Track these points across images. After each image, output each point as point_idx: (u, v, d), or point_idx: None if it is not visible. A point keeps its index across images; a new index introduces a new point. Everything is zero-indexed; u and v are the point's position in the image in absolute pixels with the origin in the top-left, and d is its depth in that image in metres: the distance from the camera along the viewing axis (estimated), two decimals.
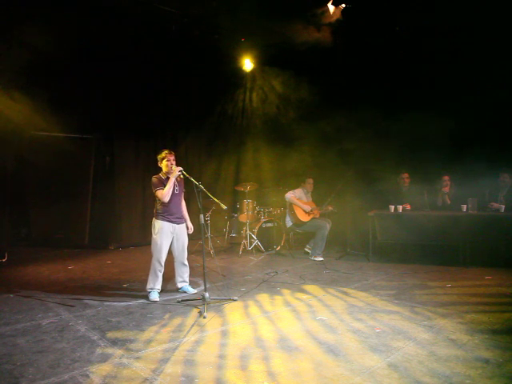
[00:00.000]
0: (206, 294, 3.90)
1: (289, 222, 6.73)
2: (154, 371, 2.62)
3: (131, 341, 3.13)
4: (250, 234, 6.98)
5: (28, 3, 5.34)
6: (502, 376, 2.49)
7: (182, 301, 4.15)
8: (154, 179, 4.30)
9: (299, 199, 6.59)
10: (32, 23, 5.41)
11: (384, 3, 6.14)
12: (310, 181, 6.79)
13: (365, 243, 6.30)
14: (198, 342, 3.09)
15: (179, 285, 4.51)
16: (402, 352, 2.84)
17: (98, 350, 2.95)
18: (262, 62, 8.17)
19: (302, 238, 7.42)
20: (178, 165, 4.31)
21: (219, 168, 9.22)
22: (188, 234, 4.52)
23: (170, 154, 4.34)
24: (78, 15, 5.60)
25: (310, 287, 4.70)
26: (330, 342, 3.05)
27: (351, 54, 7.01)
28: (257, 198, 7.86)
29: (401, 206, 5.99)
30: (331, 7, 6.40)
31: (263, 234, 7.16)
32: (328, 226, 6.44)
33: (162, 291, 4.43)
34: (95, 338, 3.19)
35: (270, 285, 4.85)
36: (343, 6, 6.42)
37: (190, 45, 7.22)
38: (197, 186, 4.04)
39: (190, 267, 4.60)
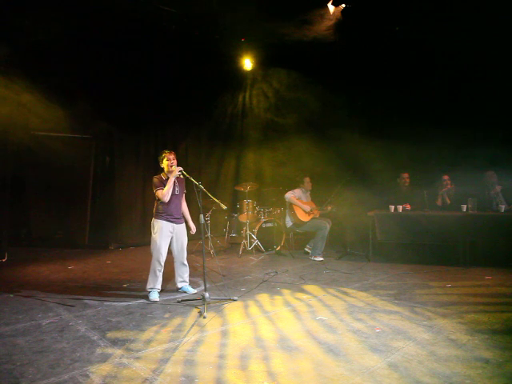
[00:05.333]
0: (206, 294, 3.90)
1: (289, 222, 6.72)
2: (154, 371, 2.62)
3: (131, 341, 3.13)
4: (250, 234, 6.97)
5: (27, 2, 5.34)
6: (501, 376, 2.49)
7: (182, 301, 4.16)
8: (155, 179, 4.33)
9: (299, 199, 6.59)
10: (30, 20, 5.40)
11: (384, 3, 6.13)
12: (308, 179, 6.76)
13: (365, 243, 6.28)
14: (197, 342, 3.09)
15: (179, 285, 4.51)
16: (402, 352, 2.84)
17: (98, 350, 2.95)
18: (262, 62, 8.16)
19: (301, 237, 7.41)
20: (178, 165, 4.32)
21: (219, 168, 9.22)
22: (188, 234, 4.52)
23: (171, 153, 4.36)
24: (78, 15, 5.60)
25: (310, 287, 4.70)
26: (330, 342, 3.05)
27: (351, 53, 7.00)
28: (257, 198, 7.86)
29: (401, 206, 5.98)
30: (331, 7, 6.39)
31: (263, 234, 7.16)
32: (328, 226, 6.44)
33: (162, 291, 4.43)
34: (95, 338, 3.19)
35: (270, 285, 4.85)
36: (343, 5, 6.41)
37: (190, 45, 7.22)
38: (197, 186, 4.05)
39: (190, 267, 4.61)
